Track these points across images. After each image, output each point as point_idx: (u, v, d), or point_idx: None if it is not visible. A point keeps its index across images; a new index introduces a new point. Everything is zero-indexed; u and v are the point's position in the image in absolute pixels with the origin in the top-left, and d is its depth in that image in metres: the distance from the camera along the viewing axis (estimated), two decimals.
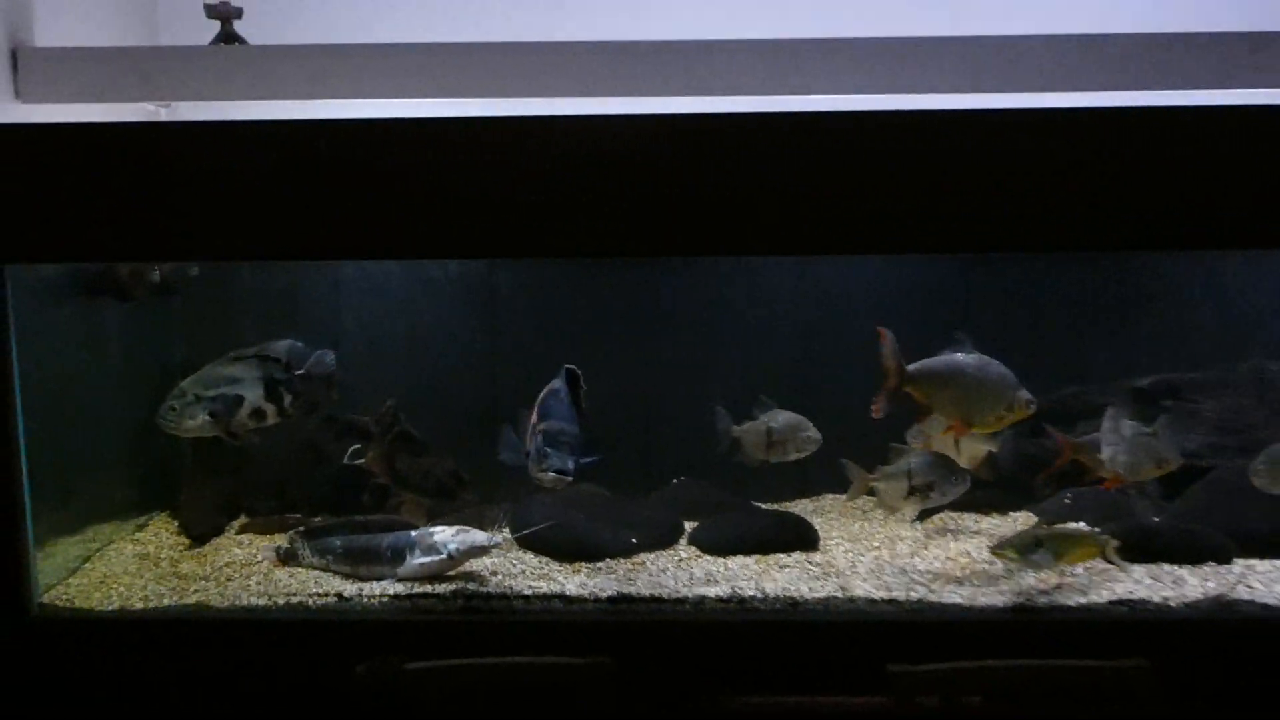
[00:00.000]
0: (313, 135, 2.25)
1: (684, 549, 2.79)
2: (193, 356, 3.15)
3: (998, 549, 2.46)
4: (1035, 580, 2.48)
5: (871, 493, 2.77)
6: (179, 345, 3.19)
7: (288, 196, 2.25)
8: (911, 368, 2.52)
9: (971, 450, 2.76)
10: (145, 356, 3.13)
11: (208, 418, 2.60)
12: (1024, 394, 2.52)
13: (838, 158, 2.20)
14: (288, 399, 2.68)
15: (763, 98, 2.51)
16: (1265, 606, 2.35)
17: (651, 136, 2.20)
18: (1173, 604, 2.35)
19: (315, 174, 2.24)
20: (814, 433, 2.88)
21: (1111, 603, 2.36)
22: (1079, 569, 2.50)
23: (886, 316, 3.01)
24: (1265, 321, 3.11)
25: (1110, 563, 2.48)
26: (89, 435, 2.84)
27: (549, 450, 2.38)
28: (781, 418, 2.89)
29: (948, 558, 2.68)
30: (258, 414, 2.65)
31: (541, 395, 2.58)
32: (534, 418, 2.52)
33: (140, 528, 3.02)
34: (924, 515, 3.00)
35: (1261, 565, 2.55)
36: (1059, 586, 2.43)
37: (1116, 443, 2.51)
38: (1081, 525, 2.71)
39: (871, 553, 2.74)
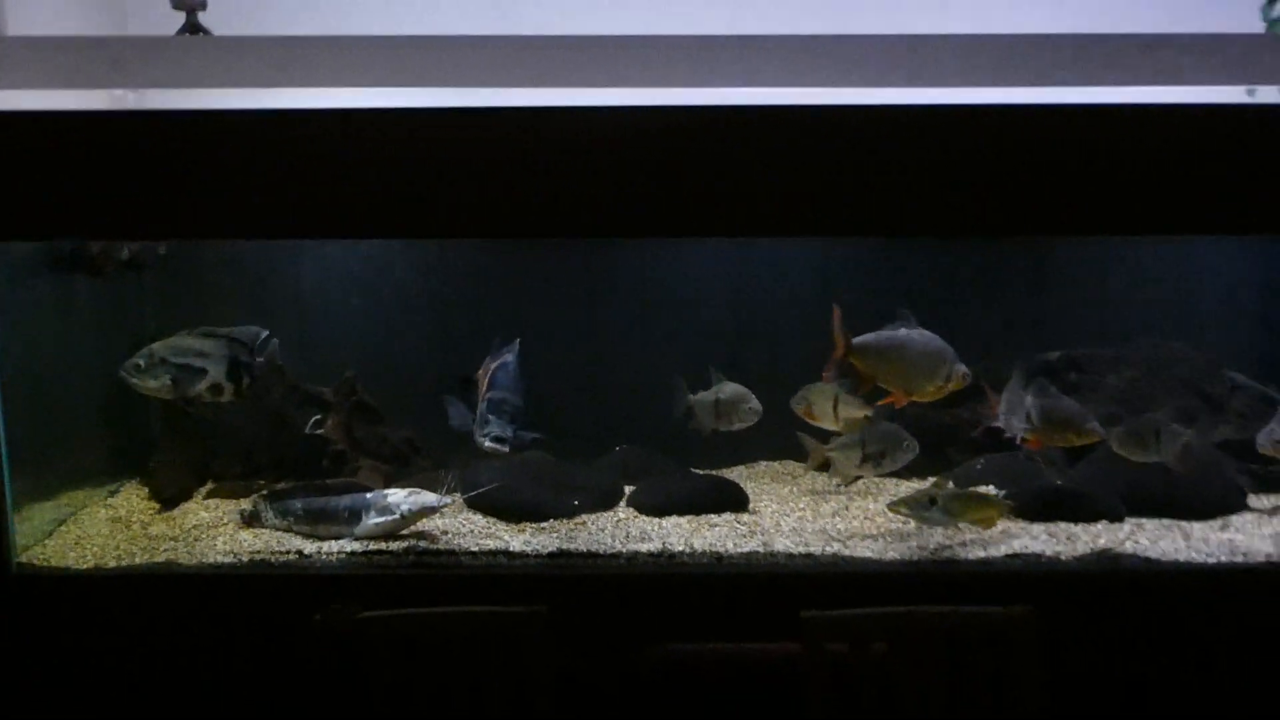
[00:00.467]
0: (273, 123, 2.40)
1: (623, 510, 2.97)
2: (160, 330, 3.30)
3: (893, 506, 2.67)
4: (943, 536, 2.70)
5: (828, 463, 2.93)
6: (147, 319, 3.31)
7: (248, 180, 2.38)
8: (856, 340, 2.68)
9: (849, 414, 2.94)
10: (115, 330, 3.25)
11: (168, 382, 2.75)
12: (960, 367, 2.69)
13: (770, 148, 2.37)
14: (246, 381, 2.83)
15: (705, 90, 2.67)
16: (1147, 560, 2.57)
17: (603, 127, 2.35)
18: (1063, 558, 2.58)
19: (276, 159, 2.37)
20: (756, 404, 3.03)
21: (1007, 556, 2.58)
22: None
23: (817, 295, 3.22)
24: (1162, 303, 3.32)
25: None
26: (62, 405, 2.96)
27: (490, 417, 2.57)
28: (728, 389, 3.04)
29: (865, 517, 2.88)
30: (215, 389, 2.80)
31: (493, 367, 2.76)
32: (484, 388, 2.70)
33: (112, 493, 3.15)
34: (849, 480, 3.21)
35: (1149, 524, 2.77)
36: (965, 544, 2.65)
37: (1014, 410, 2.72)
38: (990, 488, 2.95)
39: (797, 513, 2.93)
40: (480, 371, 2.79)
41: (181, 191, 2.39)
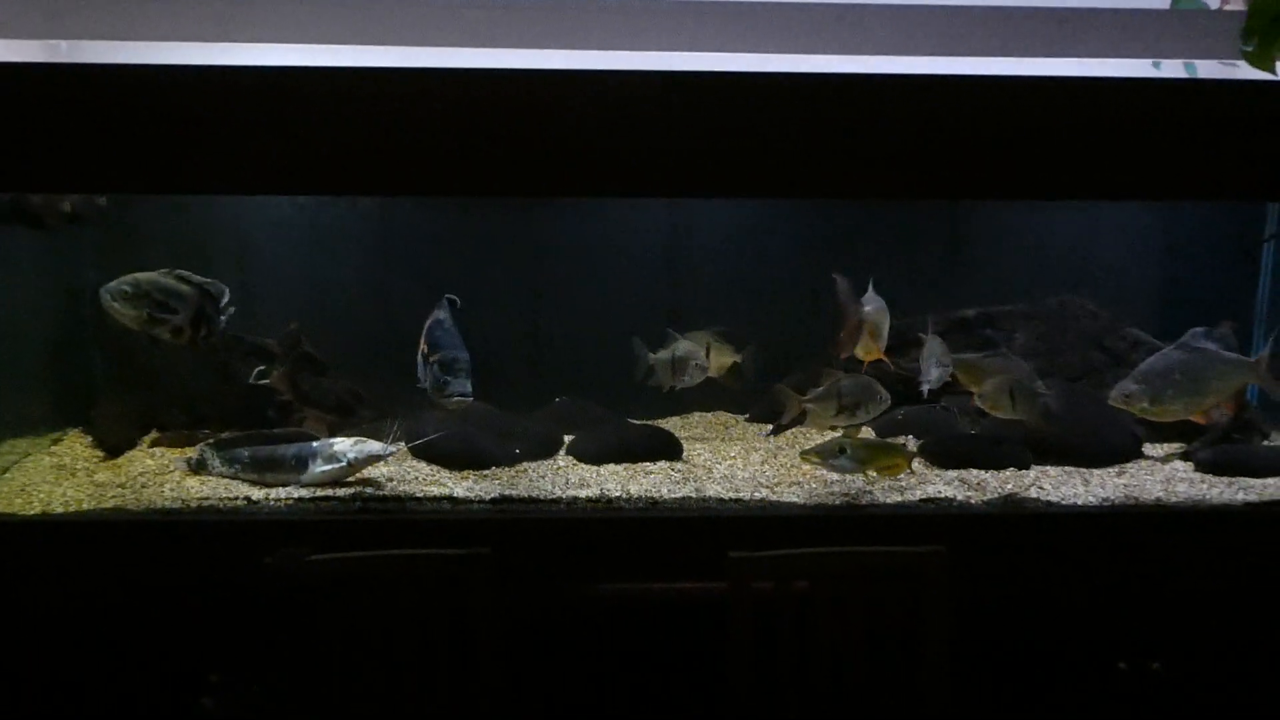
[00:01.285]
0: (214, 79, 2.43)
1: (562, 459, 3.07)
2: (100, 281, 3.31)
3: (805, 454, 2.82)
4: (863, 483, 2.86)
5: (803, 414, 2.98)
6: (88, 270, 3.33)
7: (188, 135, 2.40)
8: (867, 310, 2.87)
9: (719, 361, 3.07)
10: (55, 281, 3.26)
11: (145, 315, 2.76)
12: None
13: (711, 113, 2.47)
14: (204, 332, 2.87)
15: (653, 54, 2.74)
16: (1049, 503, 2.76)
17: (551, 89, 2.41)
18: (973, 502, 2.76)
19: (216, 115, 2.40)
20: (703, 360, 3.14)
21: (921, 500, 2.75)
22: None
23: (746, 252, 3.34)
24: (1069, 262, 3.52)
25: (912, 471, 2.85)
26: (2, 355, 2.97)
27: (448, 379, 2.64)
28: (682, 347, 3.14)
29: (791, 465, 3.03)
30: (177, 332, 2.82)
31: (427, 326, 2.81)
32: (423, 348, 2.77)
33: (55, 442, 3.17)
34: (777, 430, 3.37)
35: (1053, 470, 2.97)
36: (883, 489, 2.82)
37: (936, 364, 2.88)
38: (910, 438, 3.12)
39: (727, 462, 3.07)
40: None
41: (121, 145, 2.40)
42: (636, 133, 2.45)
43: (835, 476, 2.89)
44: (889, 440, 3.05)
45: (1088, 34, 2.75)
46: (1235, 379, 2.83)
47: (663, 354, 3.15)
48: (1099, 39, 2.74)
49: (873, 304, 2.92)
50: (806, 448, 2.86)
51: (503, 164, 2.44)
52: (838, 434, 2.95)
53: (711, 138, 2.46)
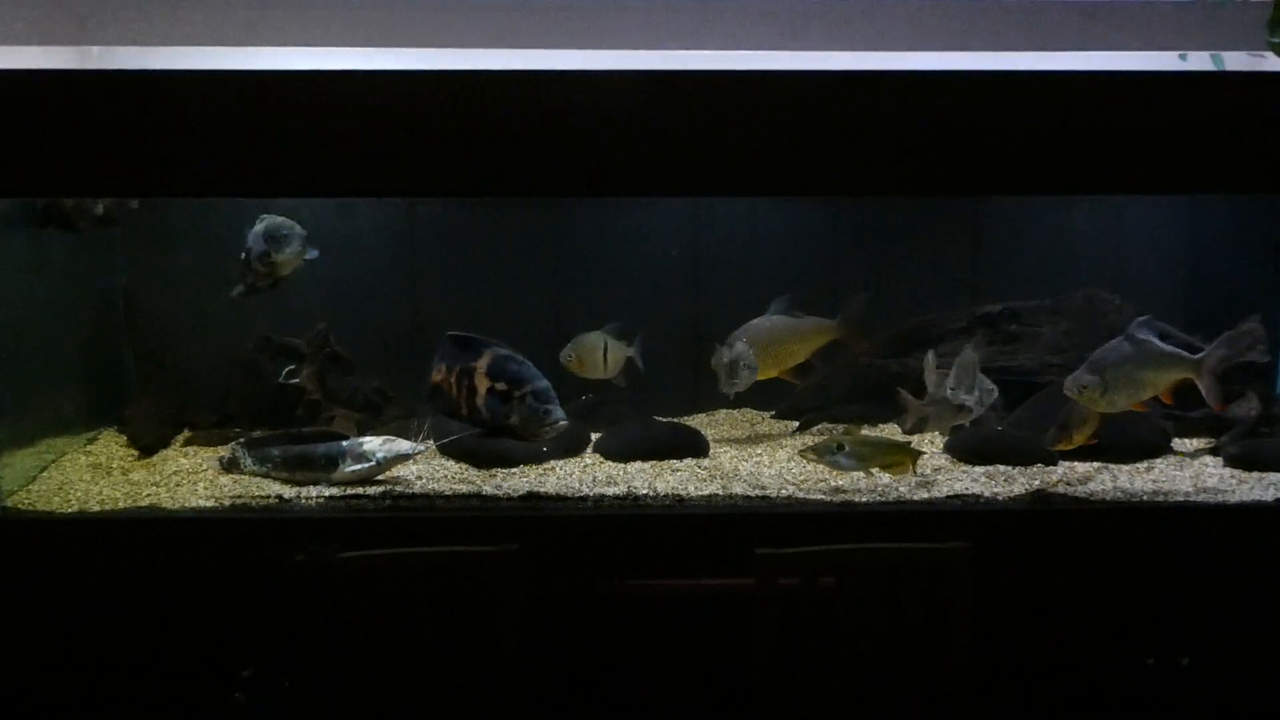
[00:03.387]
0: (243, 83, 2.46)
1: (589, 456, 3.09)
2: (132, 283, 3.37)
3: (803, 452, 2.81)
4: (890, 480, 2.86)
5: (924, 420, 3.00)
6: (119, 272, 3.40)
7: (216, 139, 2.44)
8: None
9: (614, 356, 3.11)
10: (88, 283, 3.32)
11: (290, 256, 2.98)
12: None
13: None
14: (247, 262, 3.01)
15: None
16: (1076, 499, 2.76)
17: (568, 90, 2.43)
18: (1000, 498, 2.76)
19: (245, 118, 2.43)
20: (754, 362, 3.14)
21: (948, 496, 2.75)
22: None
23: (762, 254, 3.34)
24: (1095, 256, 3.50)
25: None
26: (38, 355, 3.02)
27: (548, 408, 2.73)
28: (735, 350, 3.14)
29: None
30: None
31: (486, 365, 2.79)
32: (498, 386, 2.77)
33: (90, 441, 3.22)
34: (803, 426, 3.38)
35: (1080, 466, 2.96)
36: (910, 486, 2.82)
37: (971, 388, 2.87)
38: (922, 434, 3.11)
39: (753, 459, 3.07)
40: (436, 375, 2.86)
41: (151, 150, 2.44)
42: (647, 133, 2.45)
43: (859, 475, 2.88)
44: (893, 438, 3.04)
45: (1114, 27, 2.75)
46: (1172, 374, 2.76)
47: (717, 358, 3.15)
48: (1125, 32, 2.75)
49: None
50: (803, 447, 2.85)
51: (517, 165, 2.46)
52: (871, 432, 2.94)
53: (727, 137, 2.46)
